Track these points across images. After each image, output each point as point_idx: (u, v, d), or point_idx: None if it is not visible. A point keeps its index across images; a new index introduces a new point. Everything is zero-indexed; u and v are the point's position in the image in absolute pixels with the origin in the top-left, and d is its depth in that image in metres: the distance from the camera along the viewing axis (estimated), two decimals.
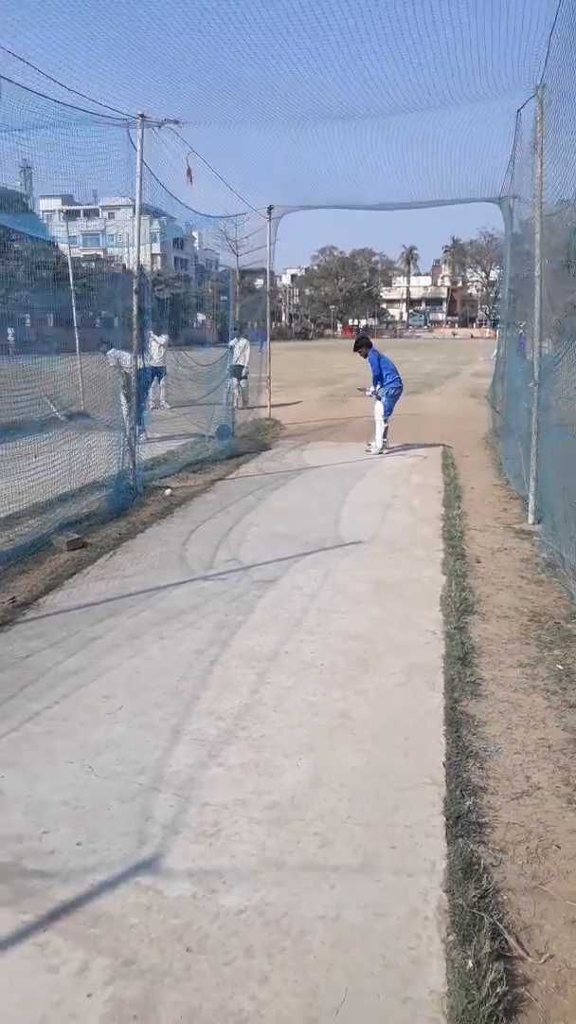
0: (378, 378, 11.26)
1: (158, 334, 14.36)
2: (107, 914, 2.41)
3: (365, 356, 11.42)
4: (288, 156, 9.80)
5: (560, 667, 4.23)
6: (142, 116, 7.02)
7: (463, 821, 2.81)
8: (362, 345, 11.57)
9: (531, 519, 7.34)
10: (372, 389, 11.34)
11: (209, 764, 3.23)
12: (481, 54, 6.40)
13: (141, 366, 8.95)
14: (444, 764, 3.20)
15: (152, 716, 3.63)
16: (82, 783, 3.10)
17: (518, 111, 8.24)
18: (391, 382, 11.24)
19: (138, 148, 7.06)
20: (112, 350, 10.87)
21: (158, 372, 14.76)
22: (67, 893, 2.50)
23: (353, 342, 12.00)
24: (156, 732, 3.48)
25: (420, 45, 6.33)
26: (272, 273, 15.83)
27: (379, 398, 11.24)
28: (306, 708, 3.70)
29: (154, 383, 14.53)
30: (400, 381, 11.46)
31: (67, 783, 3.10)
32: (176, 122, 7.27)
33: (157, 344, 14.21)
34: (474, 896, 2.40)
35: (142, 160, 7.15)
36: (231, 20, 5.82)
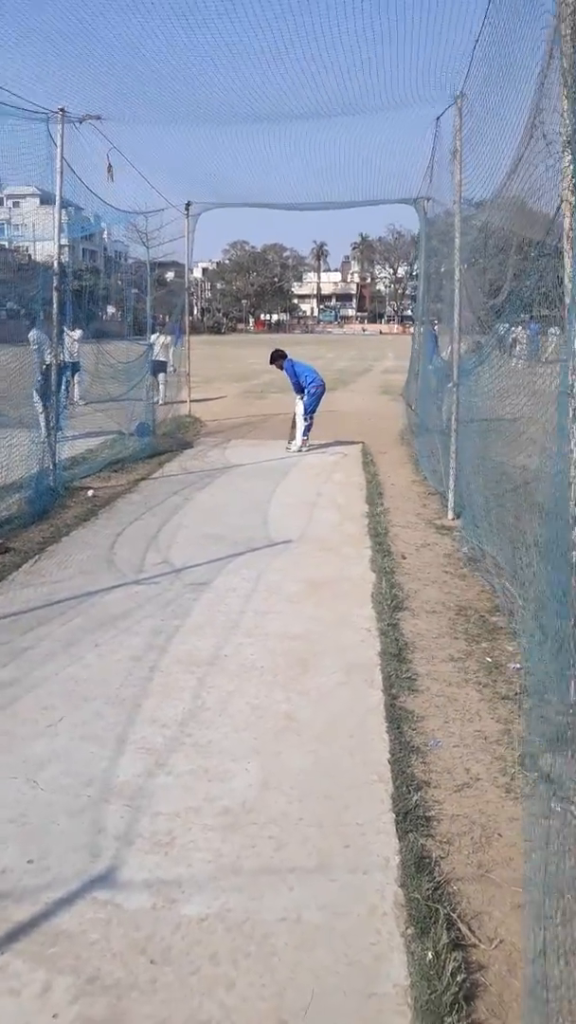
0: (298, 385, 11.40)
1: (72, 328, 14.03)
2: (66, 932, 2.38)
3: (282, 368, 11.60)
4: (208, 154, 9.75)
5: (489, 659, 4.42)
6: (62, 111, 6.85)
7: (411, 816, 2.92)
8: (277, 358, 11.71)
9: (451, 515, 7.59)
10: (298, 399, 11.50)
11: (157, 773, 3.23)
12: (405, 62, 6.54)
13: (60, 361, 8.73)
14: (389, 761, 3.30)
15: (95, 726, 3.58)
16: (28, 798, 3.04)
17: (437, 119, 8.48)
18: (311, 382, 11.40)
19: (58, 143, 6.89)
20: (35, 331, 10.46)
21: (72, 367, 14.44)
22: (22, 913, 2.45)
23: (269, 352, 12.09)
24: (100, 743, 3.45)
25: (346, 53, 6.42)
26: (187, 268, 15.70)
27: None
28: (250, 711, 3.73)
29: (66, 378, 14.22)
30: (320, 379, 11.64)
31: (12, 799, 3.03)
32: (97, 117, 7.13)
33: (71, 339, 13.89)
34: (428, 889, 2.50)
35: (62, 156, 6.98)
36: (155, 17, 5.75)
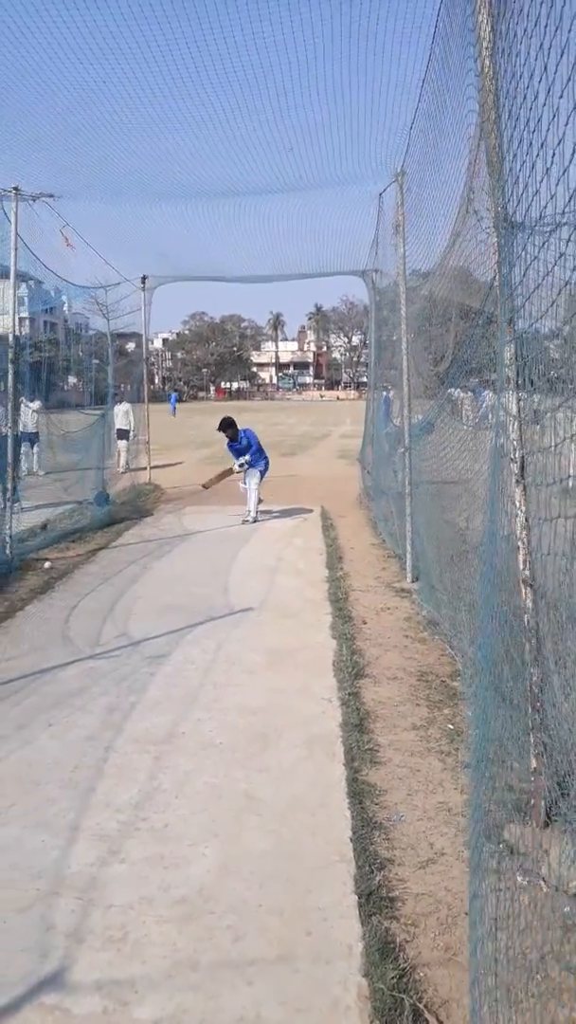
0: (254, 455, 11.09)
1: (30, 400, 14.08)
2: None
3: (234, 437, 10.94)
4: (163, 229, 10.01)
5: (451, 727, 4.37)
6: (16, 189, 7.00)
7: (374, 897, 2.82)
8: (229, 426, 11.01)
9: (409, 577, 7.61)
10: (249, 470, 11.04)
11: (111, 861, 3.09)
12: (348, 142, 6.86)
13: (16, 433, 8.69)
14: (351, 839, 3.21)
15: (46, 813, 3.43)
16: None
17: (380, 194, 8.86)
18: (265, 460, 11.28)
19: (12, 220, 7.02)
20: None
21: (31, 438, 14.45)
22: None
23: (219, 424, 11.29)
24: (52, 831, 3.30)
25: (292, 131, 6.72)
26: (144, 339, 15.93)
27: (249, 467, 11.09)
28: (208, 792, 3.62)
29: (26, 450, 14.22)
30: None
31: None
32: (51, 196, 7.30)
33: (30, 410, 13.92)
34: (392, 977, 2.40)
35: (16, 232, 7.10)
36: (110, 100, 5.98)
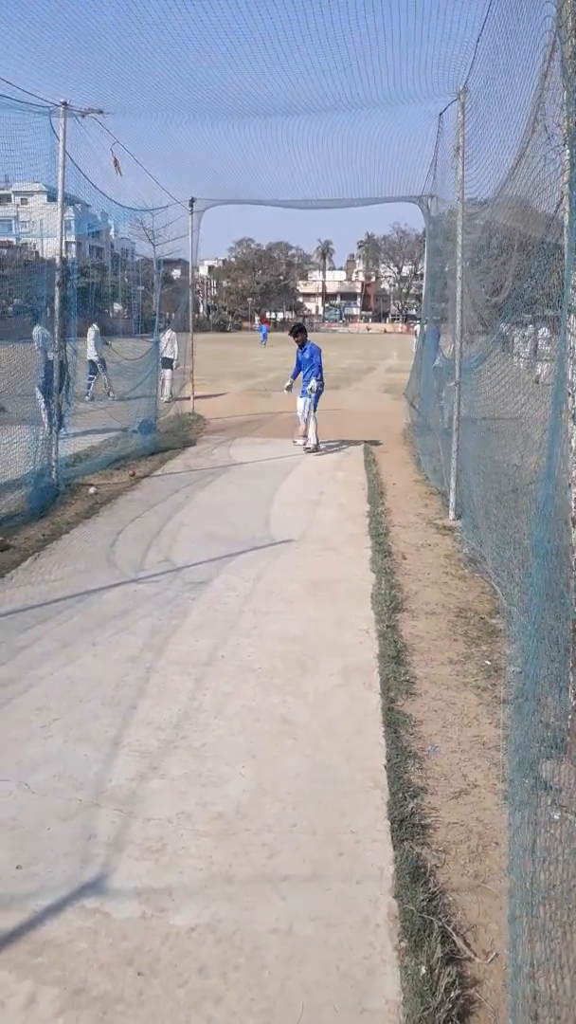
0: (313, 371, 11.23)
1: (88, 325, 14.15)
2: (53, 941, 2.34)
3: (303, 344, 11.35)
4: (212, 149, 9.69)
5: (488, 663, 4.36)
6: (64, 104, 6.78)
7: (407, 824, 2.87)
8: (301, 332, 11.58)
9: (452, 515, 7.52)
10: (306, 396, 11.24)
11: (151, 776, 3.18)
12: (407, 56, 6.47)
13: (63, 358, 8.67)
14: (385, 766, 3.25)
15: (89, 728, 3.54)
16: (19, 802, 3.00)
17: (440, 114, 8.39)
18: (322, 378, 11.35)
19: (60, 137, 6.83)
20: (38, 328, 10.32)
21: (94, 366, 14.61)
22: (9, 921, 2.41)
23: (290, 328, 12.03)
24: (94, 745, 3.40)
25: (347, 45, 6.34)
26: (191, 265, 15.63)
27: (313, 393, 11.23)
28: (247, 714, 3.68)
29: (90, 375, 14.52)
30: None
31: (3, 803, 2.99)
32: (100, 111, 7.07)
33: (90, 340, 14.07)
34: (422, 900, 2.45)
35: (64, 150, 6.92)
36: (159, 11, 5.69)
